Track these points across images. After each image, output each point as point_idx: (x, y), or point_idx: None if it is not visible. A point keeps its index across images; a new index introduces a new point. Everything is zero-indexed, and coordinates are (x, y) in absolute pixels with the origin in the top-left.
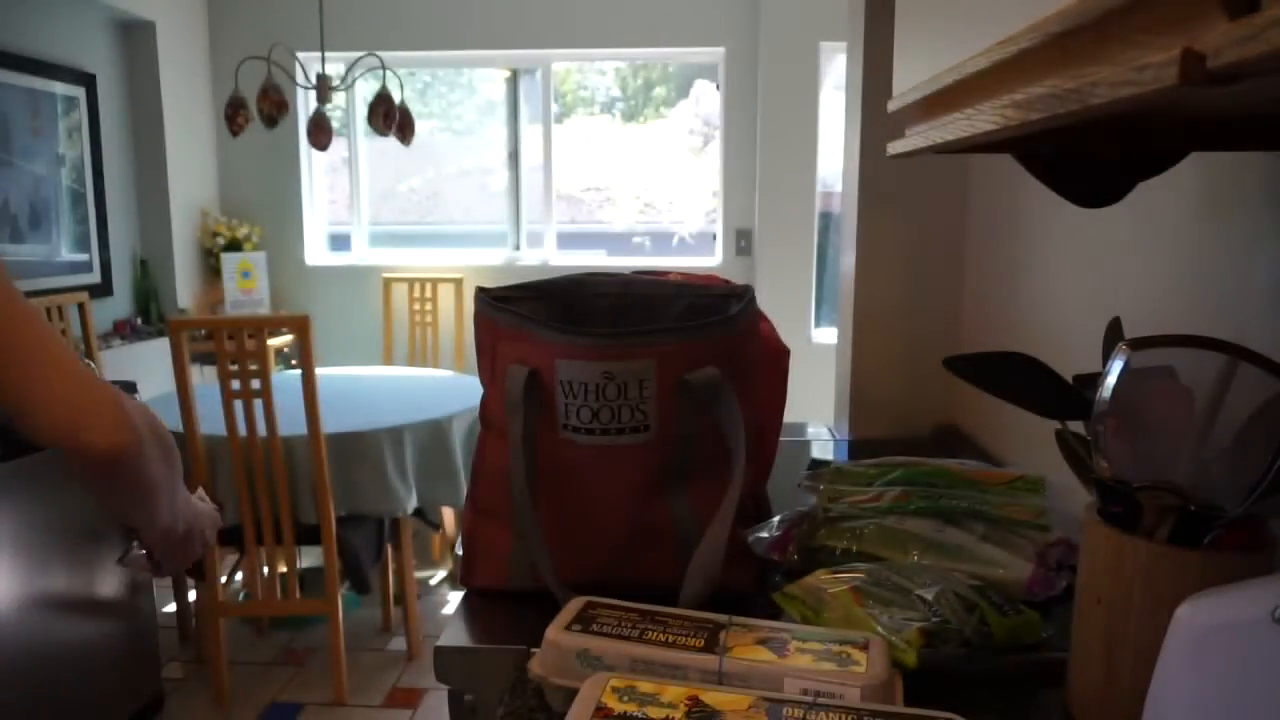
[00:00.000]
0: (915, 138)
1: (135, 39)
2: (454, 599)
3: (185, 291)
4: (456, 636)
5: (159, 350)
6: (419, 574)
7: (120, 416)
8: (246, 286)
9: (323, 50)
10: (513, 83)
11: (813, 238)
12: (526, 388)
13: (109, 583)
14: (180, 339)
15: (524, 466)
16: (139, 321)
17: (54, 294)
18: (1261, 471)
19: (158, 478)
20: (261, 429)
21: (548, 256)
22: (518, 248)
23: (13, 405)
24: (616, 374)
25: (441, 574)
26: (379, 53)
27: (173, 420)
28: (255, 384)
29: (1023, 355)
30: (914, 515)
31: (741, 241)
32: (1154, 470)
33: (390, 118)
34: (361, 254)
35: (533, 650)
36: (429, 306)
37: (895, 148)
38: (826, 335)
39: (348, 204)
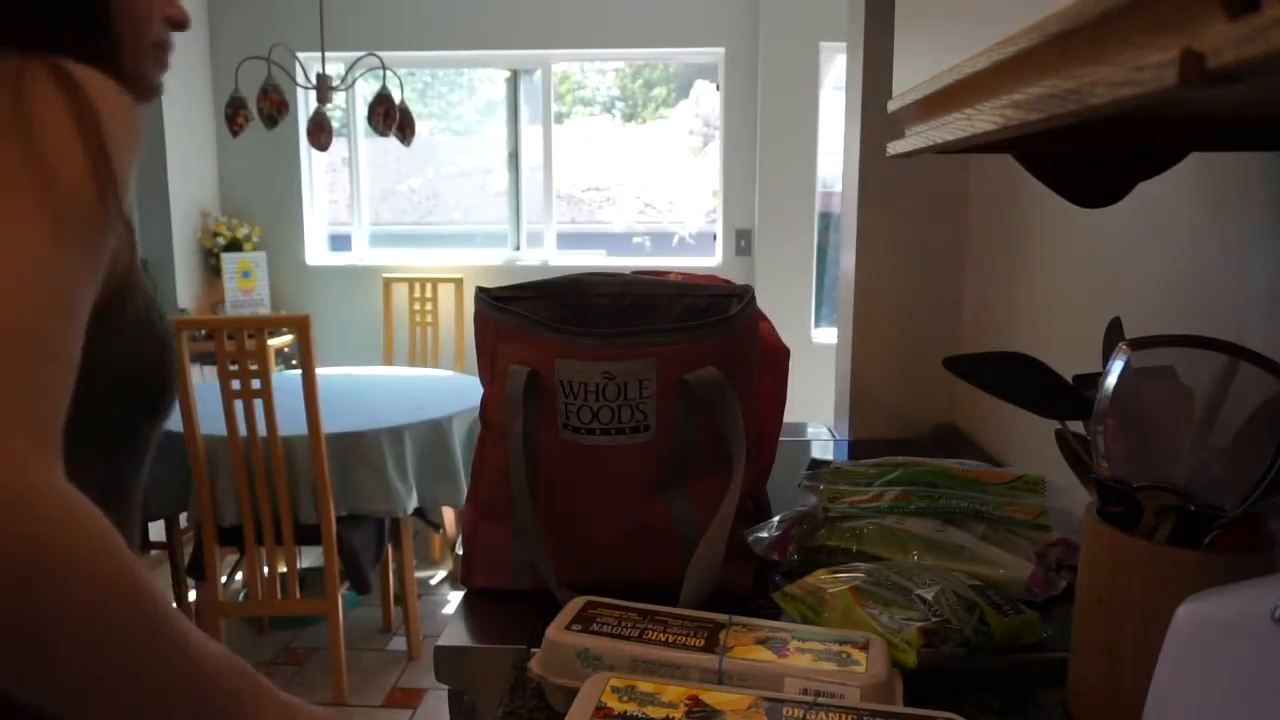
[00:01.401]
0: (915, 138)
1: None
2: (454, 599)
3: (185, 291)
4: (456, 636)
5: None
6: (419, 574)
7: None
8: (246, 286)
9: (323, 50)
10: (513, 83)
11: (813, 238)
12: (526, 388)
13: None
14: (180, 339)
15: (524, 467)
16: None
17: None
18: (1261, 471)
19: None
20: (262, 429)
21: (548, 256)
22: (518, 248)
23: None
24: (616, 374)
25: (441, 574)
26: (379, 53)
27: (173, 420)
28: (255, 384)
29: (1023, 355)
30: (914, 515)
31: (741, 241)
32: (1154, 470)
33: (390, 118)
34: (361, 254)
35: (533, 650)
36: (429, 306)
37: (895, 148)
38: (826, 335)
39: (348, 204)
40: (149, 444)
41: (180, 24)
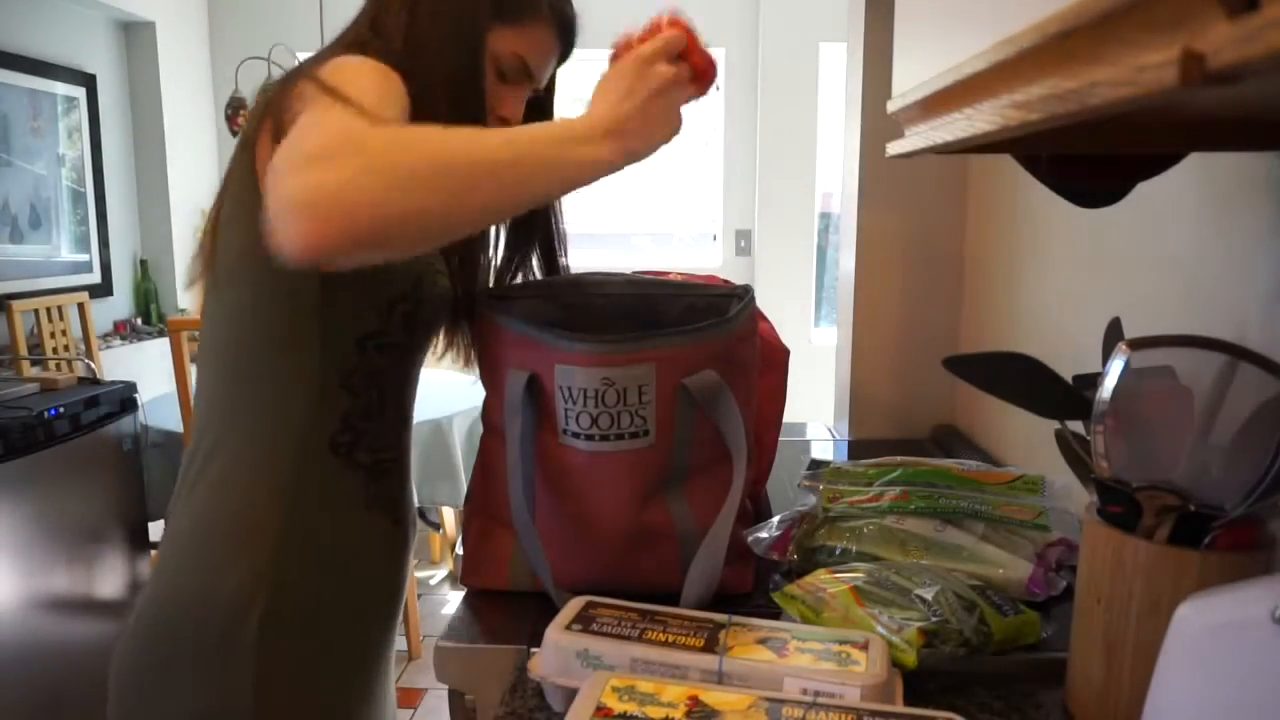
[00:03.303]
0: (915, 138)
1: (135, 39)
2: (454, 599)
3: (185, 291)
4: (457, 636)
5: (159, 350)
6: (419, 574)
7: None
8: None
9: None
10: None
11: (813, 238)
12: (526, 393)
13: (109, 583)
14: (180, 339)
15: (523, 472)
16: (139, 321)
17: (54, 294)
18: (1261, 471)
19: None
20: None
21: None
22: None
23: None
24: (616, 380)
25: (441, 574)
26: None
27: (173, 420)
28: None
29: (1023, 355)
30: (914, 515)
31: (741, 241)
32: (1154, 470)
33: None
34: None
35: (533, 650)
36: None
37: (895, 148)
38: (826, 335)
39: None
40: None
41: (508, 123)
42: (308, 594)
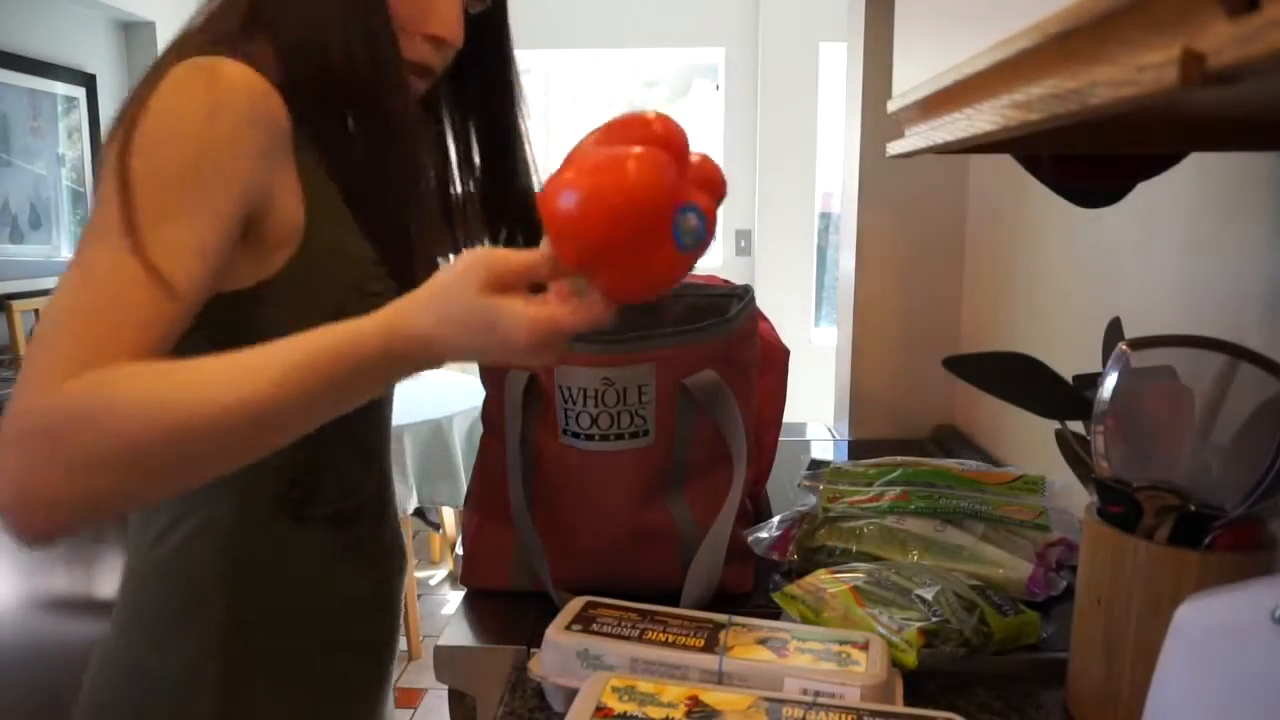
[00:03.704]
0: (915, 138)
1: (135, 39)
2: (454, 599)
3: None
4: (457, 636)
5: None
6: (419, 574)
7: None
8: None
9: None
10: None
11: (813, 238)
12: (526, 393)
13: (109, 583)
14: None
15: (522, 472)
16: None
17: None
18: (1261, 471)
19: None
20: None
21: None
22: None
23: None
24: (616, 380)
25: (441, 574)
26: None
27: None
28: None
29: (1023, 355)
30: (914, 515)
31: (741, 241)
32: (1154, 470)
33: None
34: None
35: (533, 650)
36: None
37: (895, 148)
38: (826, 335)
39: None
40: None
41: (443, 43)
42: (273, 667)
